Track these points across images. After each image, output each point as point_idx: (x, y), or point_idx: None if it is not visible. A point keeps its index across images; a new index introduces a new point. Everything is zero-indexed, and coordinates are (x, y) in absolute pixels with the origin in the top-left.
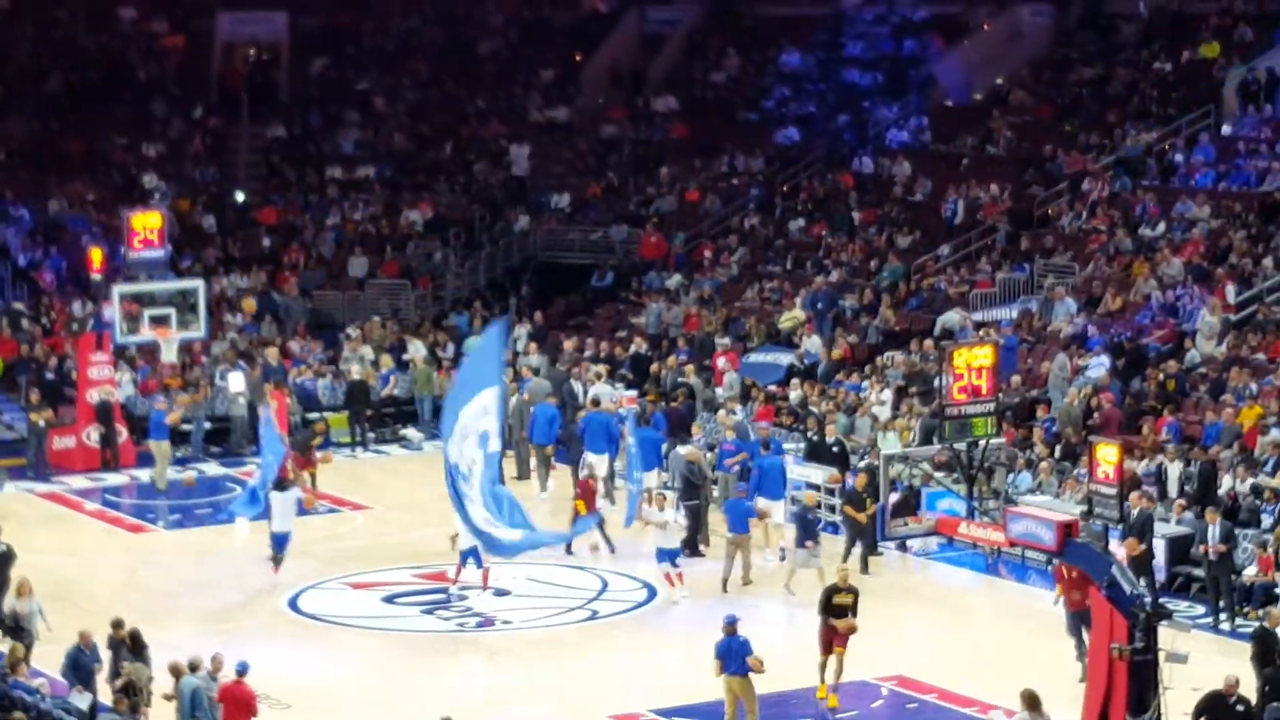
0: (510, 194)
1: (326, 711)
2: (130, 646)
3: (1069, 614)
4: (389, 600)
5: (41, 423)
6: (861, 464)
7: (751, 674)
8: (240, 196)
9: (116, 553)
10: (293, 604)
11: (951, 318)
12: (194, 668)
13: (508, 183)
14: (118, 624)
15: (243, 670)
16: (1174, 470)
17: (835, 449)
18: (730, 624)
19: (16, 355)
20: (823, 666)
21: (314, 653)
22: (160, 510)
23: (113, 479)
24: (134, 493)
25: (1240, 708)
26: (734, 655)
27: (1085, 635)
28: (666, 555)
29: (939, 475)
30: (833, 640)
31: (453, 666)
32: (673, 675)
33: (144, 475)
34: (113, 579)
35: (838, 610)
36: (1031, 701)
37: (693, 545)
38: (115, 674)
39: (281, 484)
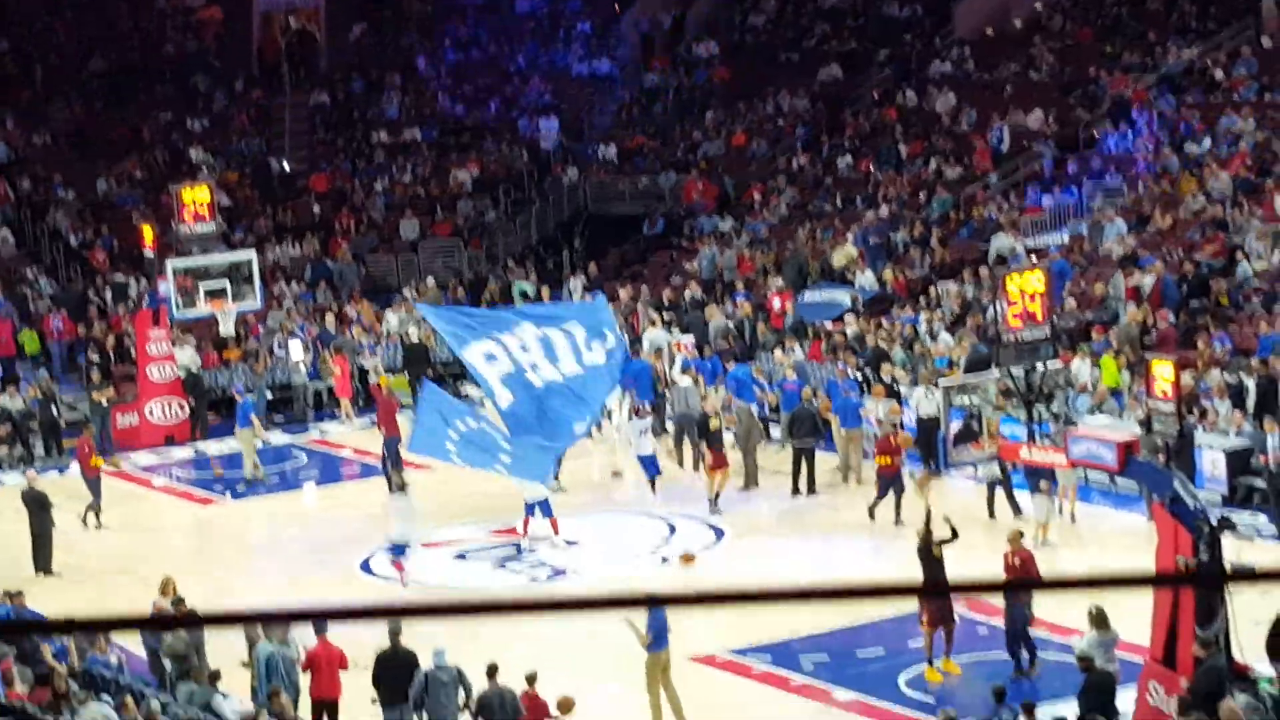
0: (559, 152)
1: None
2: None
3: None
4: (460, 557)
5: (104, 402)
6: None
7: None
8: (286, 166)
9: (187, 526)
10: (365, 566)
11: (1003, 240)
12: (268, 634)
13: (538, 156)
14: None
15: (321, 629)
16: (1255, 384)
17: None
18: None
19: (75, 336)
20: (929, 642)
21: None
22: (227, 481)
23: (179, 453)
24: (201, 466)
25: None
26: (664, 631)
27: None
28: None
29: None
30: (942, 614)
31: (527, 619)
32: (746, 614)
33: (211, 448)
34: (184, 551)
35: (938, 562)
36: (1099, 619)
37: (811, 485)
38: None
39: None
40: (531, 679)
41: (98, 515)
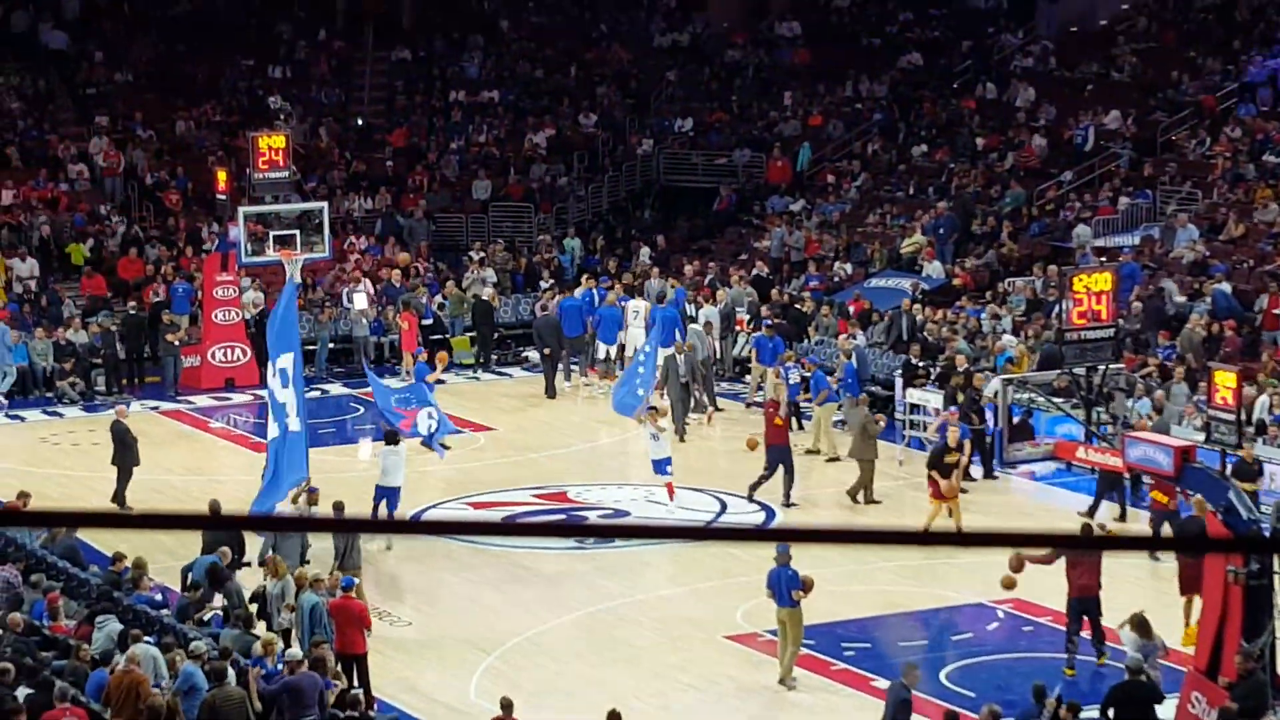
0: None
1: (447, 627)
2: (210, 579)
3: (1070, 600)
4: (508, 520)
5: (175, 342)
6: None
7: (801, 605)
8: (360, 121)
9: (241, 470)
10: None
11: (1083, 231)
12: (314, 584)
13: (613, 124)
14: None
15: (348, 585)
16: None
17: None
18: (782, 554)
19: (143, 275)
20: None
21: (434, 571)
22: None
23: (237, 398)
24: (256, 411)
25: None
26: (782, 587)
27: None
28: (661, 466)
29: (1057, 400)
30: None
31: (572, 585)
32: None
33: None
34: (238, 496)
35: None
36: (1142, 626)
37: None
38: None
39: (393, 438)
40: (506, 705)
41: None
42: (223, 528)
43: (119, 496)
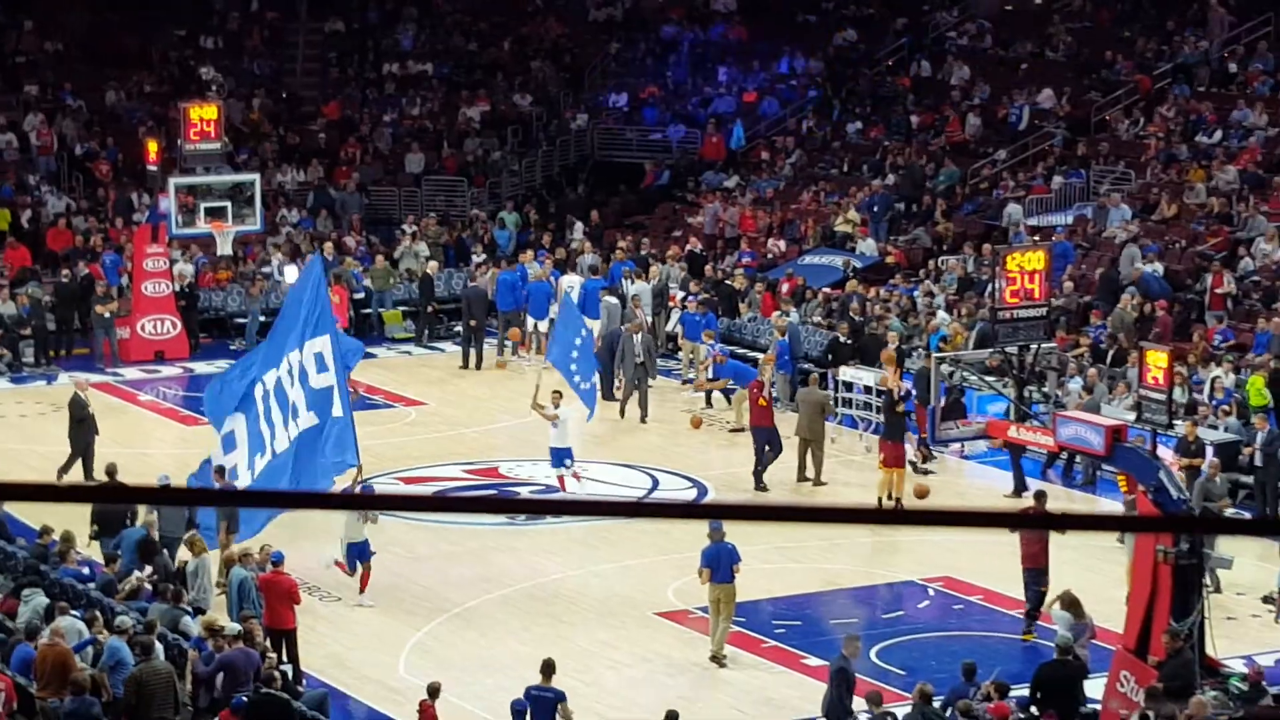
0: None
1: (377, 602)
2: (141, 552)
3: (1025, 570)
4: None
5: (107, 314)
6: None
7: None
8: (284, 95)
9: (170, 444)
10: None
11: (1015, 210)
12: (243, 559)
13: (548, 98)
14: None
15: (278, 560)
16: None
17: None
18: (716, 530)
19: (72, 246)
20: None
21: None
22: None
23: (166, 370)
24: (186, 384)
25: None
26: (721, 563)
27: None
28: (559, 456)
29: (989, 379)
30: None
31: (503, 560)
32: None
33: (198, 366)
34: (167, 469)
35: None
36: (1071, 604)
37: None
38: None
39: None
40: (433, 691)
41: None
42: (160, 504)
43: (62, 472)
